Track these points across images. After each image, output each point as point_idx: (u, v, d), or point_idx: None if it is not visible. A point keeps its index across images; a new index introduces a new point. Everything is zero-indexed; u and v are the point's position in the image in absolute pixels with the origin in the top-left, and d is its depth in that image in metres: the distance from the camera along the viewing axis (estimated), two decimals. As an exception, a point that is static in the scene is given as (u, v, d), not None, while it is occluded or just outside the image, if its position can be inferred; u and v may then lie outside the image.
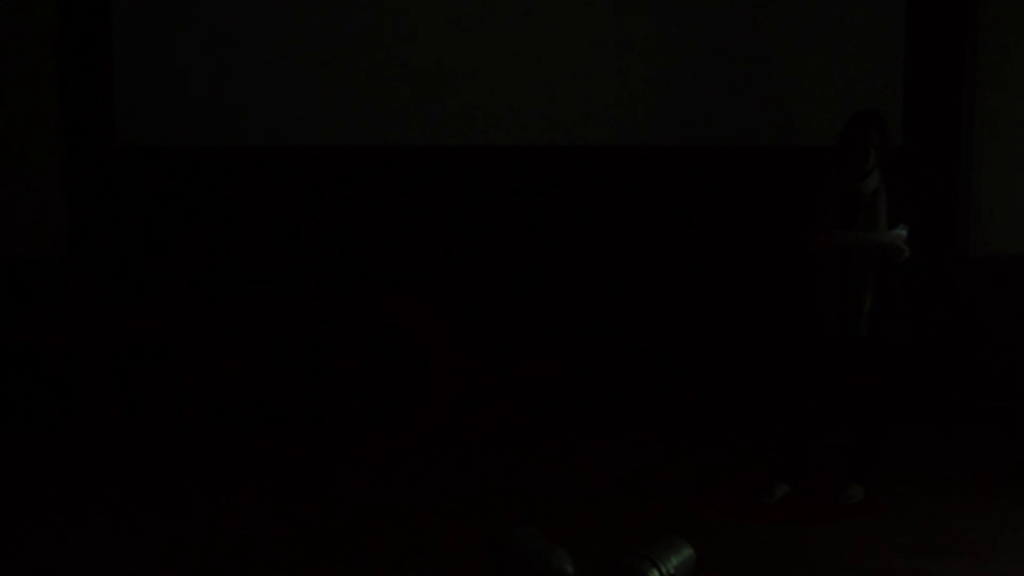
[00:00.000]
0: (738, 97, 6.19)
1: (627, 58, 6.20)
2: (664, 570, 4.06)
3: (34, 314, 5.87)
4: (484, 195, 6.26)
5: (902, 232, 4.92)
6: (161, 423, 5.73)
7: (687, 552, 4.18)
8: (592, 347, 6.25)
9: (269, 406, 5.78)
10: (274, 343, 5.84)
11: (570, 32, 6.17)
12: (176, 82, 6.17)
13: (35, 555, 4.60)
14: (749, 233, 6.13)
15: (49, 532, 4.83)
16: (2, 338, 5.82)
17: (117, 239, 6.23)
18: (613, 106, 6.22)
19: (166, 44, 6.15)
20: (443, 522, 4.93)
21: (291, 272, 6.17)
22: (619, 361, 6.26)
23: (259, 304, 5.86)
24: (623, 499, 5.20)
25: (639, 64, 6.20)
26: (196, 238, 6.22)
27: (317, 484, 5.38)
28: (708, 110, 6.21)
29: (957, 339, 6.23)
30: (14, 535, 4.80)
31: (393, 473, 5.52)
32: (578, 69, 6.18)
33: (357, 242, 6.23)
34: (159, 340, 5.74)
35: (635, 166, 6.26)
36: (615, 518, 4.95)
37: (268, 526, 4.90)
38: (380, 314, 5.85)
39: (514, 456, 5.73)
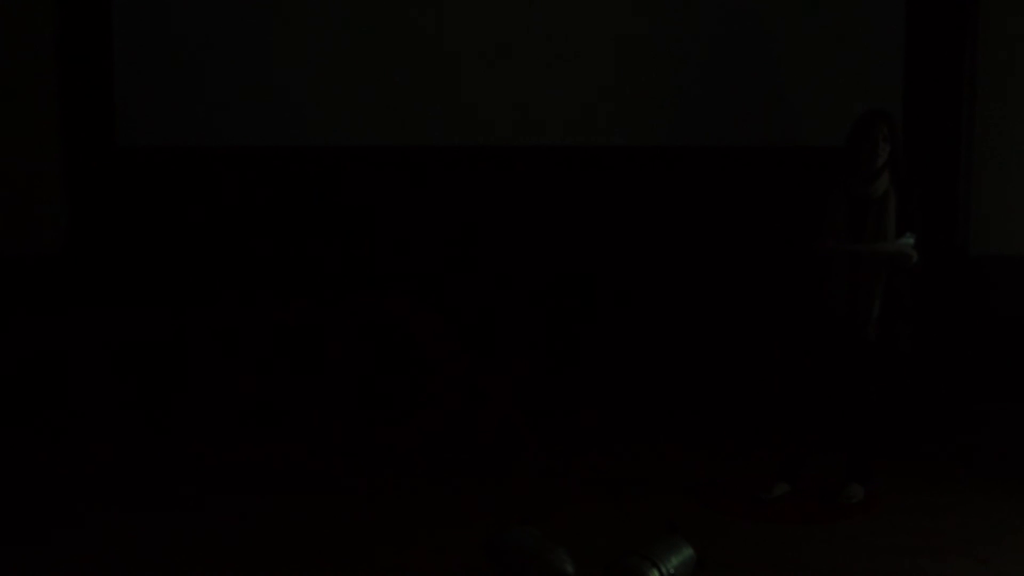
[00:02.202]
0: (737, 97, 6.19)
1: (627, 58, 6.20)
2: (664, 570, 4.06)
3: (33, 314, 5.86)
4: (484, 195, 6.25)
5: (909, 240, 4.90)
6: (160, 423, 5.73)
7: (687, 552, 4.18)
8: (592, 347, 6.25)
9: (268, 406, 5.78)
10: (273, 343, 5.84)
11: (570, 32, 6.17)
12: (176, 82, 6.17)
13: (35, 555, 4.60)
14: (748, 233, 6.12)
15: (49, 532, 4.83)
16: (1, 337, 5.82)
17: (117, 239, 6.23)
18: (613, 106, 6.21)
19: (165, 45, 6.15)
20: (443, 522, 4.93)
21: (290, 272, 6.16)
22: (619, 361, 6.25)
23: (258, 304, 5.86)
24: (623, 499, 5.20)
25: (639, 64, 6.20)
26: (195, 238, 6.21)
27: (317, 484, 5.39)
28: (707, 110, 6.21)
29: (957, 339, 6.22)
30: (14, 535, 4.79)
31: (393, 473, 5.52)
32: (578, 69, 6.18)
33: (357, 242, 6.23)
34: (158, 340, 5.74)
35: (635, 166, 6.26)
36: (615, 518, 4.95)
37: (267, 526, 4.90)
38: (380, 314, 5.85)
39: (514, 456, 5.73)
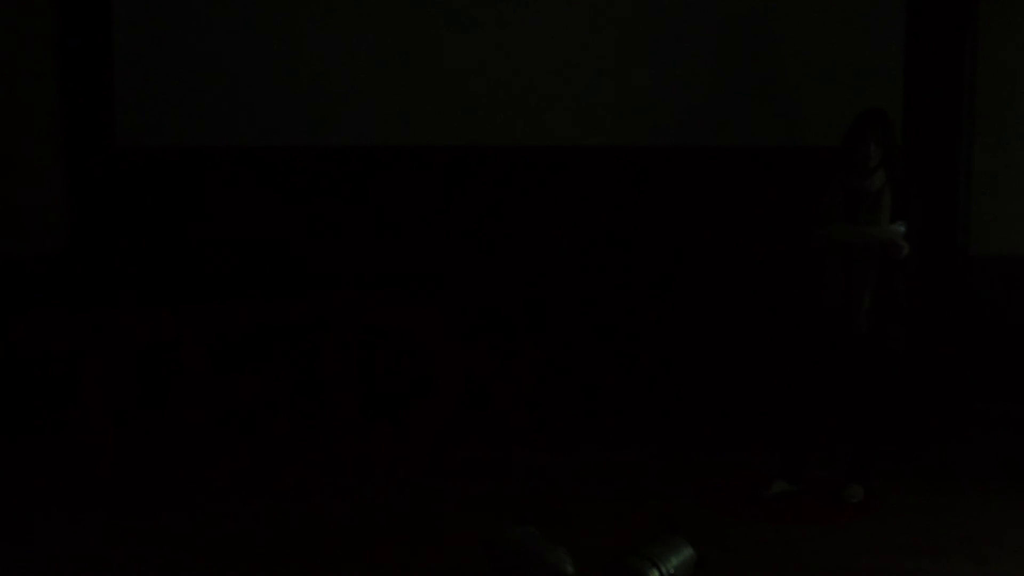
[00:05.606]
0: (737, 97, 6.19)
1: (628, 58, 6.20)
2: (664, 570, 4.06)
3: (34, 314, 5.86)
4: (484, 195, 6.25)
5: (900, 228, 4.93)
6: (161, 423, 5.72)
7: (687, 552, 4.18)
8: (592, 347, 6.25)
9: (269, 406, 5.77)
10: (273, 343, 5.83)
11: (570, 32, 6.17)
12: (176, 82, 6.17)
13: (35, 555, 4.60)
14: (748, 233, 6.13)
15: (49, 532, 4.83)
16: (2, 338, 5.81)
17: (117, 239, 6.23)
18: (613, 106, 6.22)
19: (166, 44, 6.15)
20: (443, 522, 4.93)
21: (291, 272, 6.16)
22: (619, 361, 6.25)
23: (259, 304, 5.85)
24: (623, 499, 5.20)
25: (640, 64, 6.20)
26: (196, 238, 6.22)
27: (317, 484, 5.39)
28: (708, 110, 6.21)
29: (957, 339, 6.22)
30: (14, 535, 4.80)
31: (393, 473, 5.52)
32: (578, 69, 6.18)
33: (357, 242, 6.23)
34: (159, 340, 5.73)
35: (636, 166, 6.26)
36: (615, 518, 4.95)
37: (268, 526, 4.91)
38: (380, 314, 5.85)
39: (514, 456, 5.73)
